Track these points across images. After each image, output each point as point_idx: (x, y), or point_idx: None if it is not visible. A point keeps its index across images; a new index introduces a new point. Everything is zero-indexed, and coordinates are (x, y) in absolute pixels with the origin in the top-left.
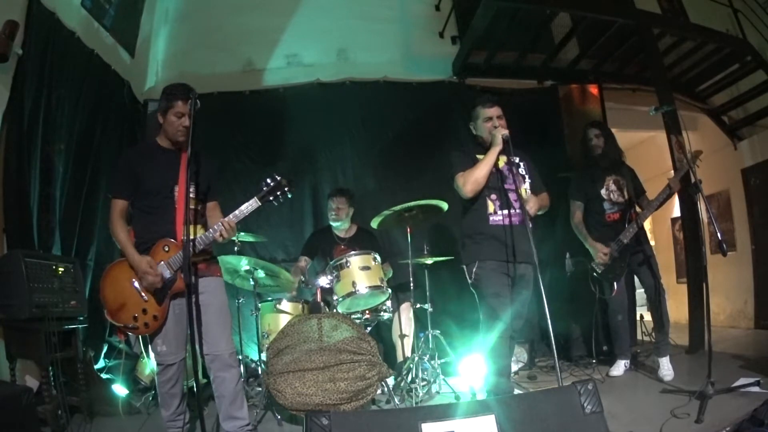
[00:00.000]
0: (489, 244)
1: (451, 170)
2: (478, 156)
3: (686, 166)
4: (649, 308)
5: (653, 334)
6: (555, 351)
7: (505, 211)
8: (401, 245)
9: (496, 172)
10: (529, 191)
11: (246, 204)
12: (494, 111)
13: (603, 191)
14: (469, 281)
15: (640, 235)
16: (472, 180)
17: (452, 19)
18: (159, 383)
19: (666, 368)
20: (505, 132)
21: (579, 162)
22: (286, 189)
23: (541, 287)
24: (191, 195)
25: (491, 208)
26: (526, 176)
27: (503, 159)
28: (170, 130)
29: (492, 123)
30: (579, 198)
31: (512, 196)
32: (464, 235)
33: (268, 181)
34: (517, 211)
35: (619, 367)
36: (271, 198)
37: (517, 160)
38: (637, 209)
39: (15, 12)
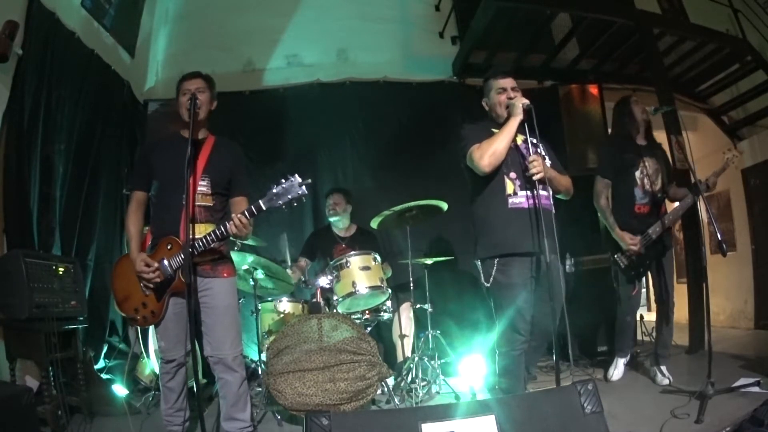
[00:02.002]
0: (508, 233)
1: (461, 144)
2: (494, 130)
3: (727, 164)
4: (657, 316)
5: (654, 340)
6: (570, 351)
7: (527, 192)
8: (401, 245)
9: (514, 148)
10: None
11: (246, 210)
12: (508, 82)
13: (637, 174)
14: (485, 284)
15: (670, 232)
16: (490, 152)
17: (452, 19)
18: (160, 375)
19: (662, 375)
20: (526, 101)
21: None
22: (299, 193)
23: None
24: (204, 189)
25: (510, 188)
26: (546, 156)
27: (520, 137)
28: (181, 111)
29: (507, 94)
30: (608, 175)
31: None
32: (477, 223)
33: (282, 181)
34: (542, 193)
35: (619, 367)
36: (280, 203)
37: (535, 140)
38: (671, 202)
39: (15, 12)
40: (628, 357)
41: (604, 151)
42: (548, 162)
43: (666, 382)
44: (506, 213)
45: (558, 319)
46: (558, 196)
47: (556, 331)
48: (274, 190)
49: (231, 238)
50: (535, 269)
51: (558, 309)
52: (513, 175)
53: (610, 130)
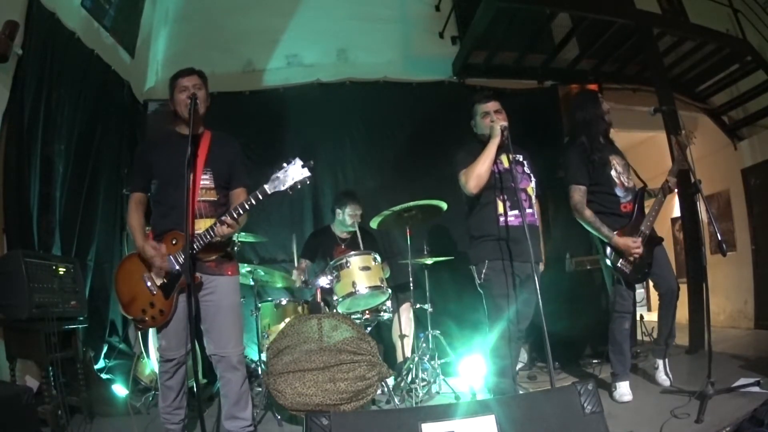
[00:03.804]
0: (498, 244)
1: (455, 169)
2: None
3: (683, 165)
4: (660, 312)
5: (658, 338)
6: (549, 351)
7: (516, 212)
8: (401, 245)
9: (503, 171)
10: (535, 190)
11: (251, 196)
12: (491, 106)
13: (613, 173)
14: (478, 282)
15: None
16: (474, 175)
17: (452, 19)
18: (158, 373)
19: (663, 377)
20: (504, 123)
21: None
22: (302, 175)
23: (537, 287)
24: (207, 183)
25: (501, 208)
26: (531, 175)
27: (507, 158)
28: (179, 108)
29: (489, 118)
30: (583, 180)
31: (521, 195)
32: (472, 236)
33: (284, 165)
34: (528, 211)
35: (627, 390)
36: (284, 186)
37: (520, 158)
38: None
39: (15, 12)
40: (630, 377)
41: (572, 155)
42: (534, 181)
43: (667, 383)
44: (497, 230)
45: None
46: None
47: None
48: (278, 174)
49: (217, 239)
50: (519, 274)
51: (525, 314)
52: (503, 197)
53: (570, 131)
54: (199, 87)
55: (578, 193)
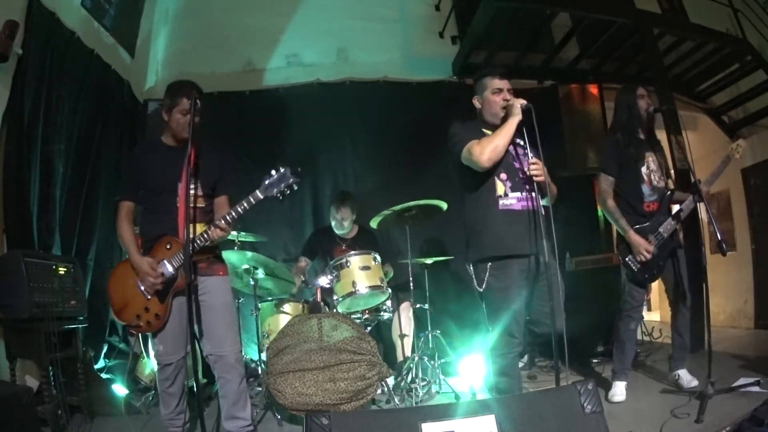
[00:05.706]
0: (499, 235)
1: (452, 140)
2: (484, 131)
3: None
4: (673, 318)
5: (672, 346)
6: (566, 352)
7: (518, 194)
8: (401, 245)
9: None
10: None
11: (244, 201)
12: (505, 83)
13: (643, 170)
14: (478, 289)
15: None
16: (491, 147)
17: (452, 19)
18: (158, 381)
19: (689, 377)
20: (524, 102)
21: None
22: (291, 181)
23: (550, 285)
24: (194, 192)
25: (501, 189)
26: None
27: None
28: (176, 127)
29: (503, 95)
30: (612, 171)
31: (522, 176)
32: (468, 225)
33: (273, 172)
34: (532, 194)
35: (621, 390)
36: (275, 191)
37: (522, 142)
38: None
39: (15, 12)
40: (629, 378)
41: (606, 146)
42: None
43: (695, 383)
44: (497, 215)
45: (558, 318)
46: (542, 201)
47: (558, 330)
48: (268, 181)
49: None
50: (530, 270)
51: (556, 309)
52: (504, 176)
53: (610, 123)
54: (198, 111)
55: (605, 182)
